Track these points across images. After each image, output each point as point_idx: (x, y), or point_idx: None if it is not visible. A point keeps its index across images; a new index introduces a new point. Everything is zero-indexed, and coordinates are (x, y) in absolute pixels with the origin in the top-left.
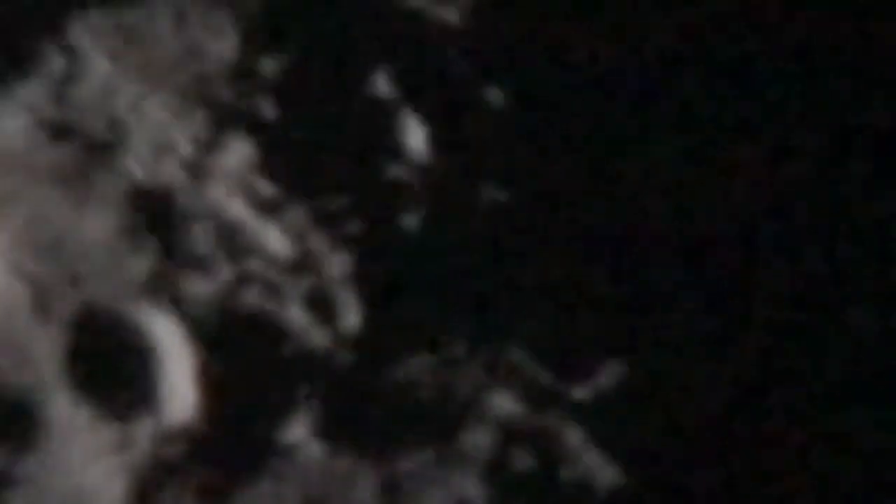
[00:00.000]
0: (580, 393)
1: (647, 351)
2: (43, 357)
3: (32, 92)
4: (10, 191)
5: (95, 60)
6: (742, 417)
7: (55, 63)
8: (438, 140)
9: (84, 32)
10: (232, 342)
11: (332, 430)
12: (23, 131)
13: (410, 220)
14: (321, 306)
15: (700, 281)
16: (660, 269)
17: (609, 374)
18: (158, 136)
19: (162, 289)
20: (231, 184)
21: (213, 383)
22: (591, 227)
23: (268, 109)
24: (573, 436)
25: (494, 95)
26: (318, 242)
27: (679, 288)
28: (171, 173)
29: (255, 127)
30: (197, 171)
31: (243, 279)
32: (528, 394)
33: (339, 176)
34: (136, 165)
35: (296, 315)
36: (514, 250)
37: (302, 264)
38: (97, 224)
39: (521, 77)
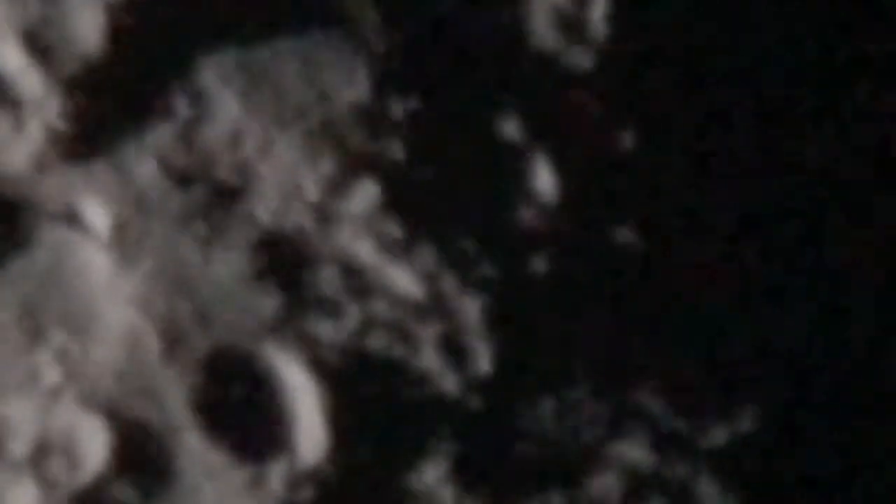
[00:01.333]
0: (714, 440)
1: (783, 398)
2: (174, 398)
3: (160, 135)
4: (140, 234)
5: (224, 103)
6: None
7: (183, 106)
8: (568, 184)
9: (212, 76)
10: (362, 385)
11: (464, 474)
12: (151, 175)
13: (540, 264)
14: (452, 350)
15: (837, 325)
16: (796, 314)
17: (744, 422)
18: (286, 179)
19: (291, 331)
20: (359, 226)
21: (344, 426)
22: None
23: (396, 152)
24: (706, 485)
25: (627, 139)
26: (449, 285)
27: (816, 332)
28: (298, 216)
29: (383, 169)
30: (325, 213)
31: (372, 322)
32: (658, 439)
33: (469, 219)
34: (264, 209)
35: (426, 359)
36: (644, 294)
37: (432, 307)
38: (225, 266)
39: (654, 121)
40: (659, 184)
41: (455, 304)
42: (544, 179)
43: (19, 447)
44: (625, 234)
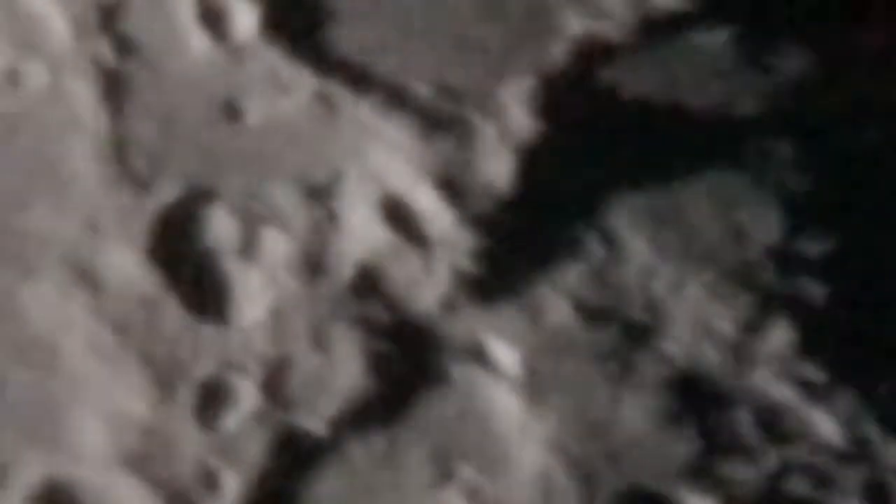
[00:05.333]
0: None
1: None
2: None
3: (571, 275)
4: (551, 374)
5: (634, 244)
6: None
7: (594, 246)
8: None
9: (623, 216)
10: None
11: None
12: (562, 315)
13: None
14: (877, 496)
15: None
16: None
17: None
18: (699, 318)
19: (704, 473)
20: (775, 367)
21: None
22: None
23: (814, 292)
24: None
25: None
26: (871, 430)
27: None
28: (711, 356)
29: (800, 310)
30: (739, 353)
31: (790, 466)
32: None
33: (891, 362)
34: (676, 348)
35: None
36: None
37: (854, 453)
38: (638, 407)
39: None
40: None
41: (879, 449)
42: None
43: None
44: None
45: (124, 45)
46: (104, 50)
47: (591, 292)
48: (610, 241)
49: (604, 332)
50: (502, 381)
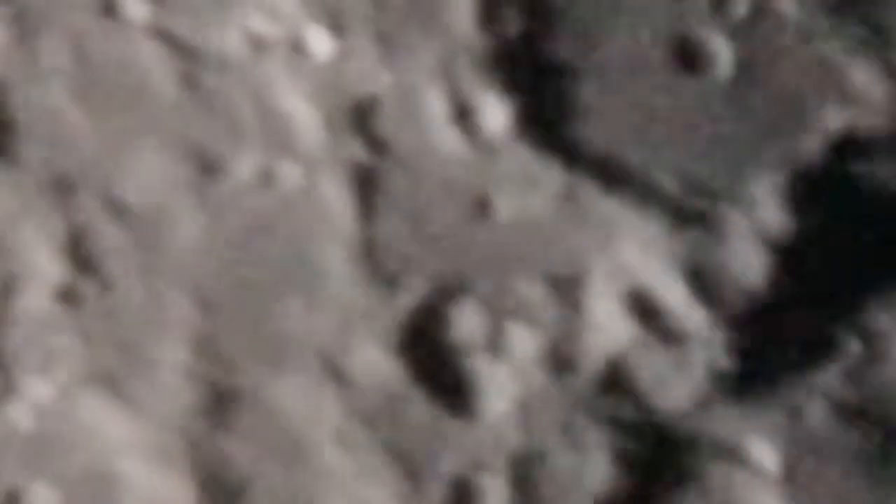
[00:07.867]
0: None
1: None
2: None
3: (830, 374)
4: (812, 475)
5: (894, 343)
6: None
7: (853, 345)
8: None
9: (885, 315)
10: None
11: None
12: (822, 415)
13: None
14: None
15: None
16: None
17: None
18: None
19: None
20: None
21: None
22: None
23: None
24: None
25: None
26: None
27: None
28: None
29: None
30: None
31: None
32: None
33: None
34: None
35: None
36: None
37: None
38: None
39: None
40: None
41: None
42: None
43: None
44: None
45: (377, 144)
46: (357, 149)
47: (850, 392)
48: (870, 339)
49: (865, 434)
50: (760, 481)
